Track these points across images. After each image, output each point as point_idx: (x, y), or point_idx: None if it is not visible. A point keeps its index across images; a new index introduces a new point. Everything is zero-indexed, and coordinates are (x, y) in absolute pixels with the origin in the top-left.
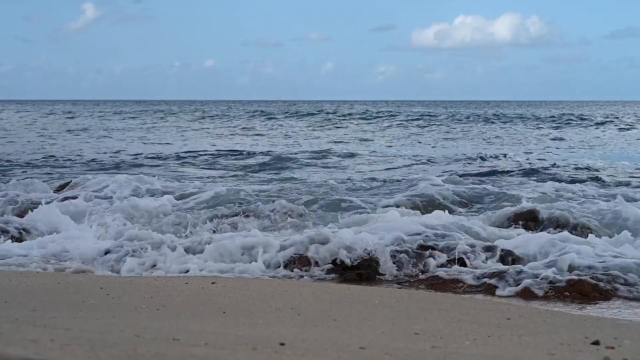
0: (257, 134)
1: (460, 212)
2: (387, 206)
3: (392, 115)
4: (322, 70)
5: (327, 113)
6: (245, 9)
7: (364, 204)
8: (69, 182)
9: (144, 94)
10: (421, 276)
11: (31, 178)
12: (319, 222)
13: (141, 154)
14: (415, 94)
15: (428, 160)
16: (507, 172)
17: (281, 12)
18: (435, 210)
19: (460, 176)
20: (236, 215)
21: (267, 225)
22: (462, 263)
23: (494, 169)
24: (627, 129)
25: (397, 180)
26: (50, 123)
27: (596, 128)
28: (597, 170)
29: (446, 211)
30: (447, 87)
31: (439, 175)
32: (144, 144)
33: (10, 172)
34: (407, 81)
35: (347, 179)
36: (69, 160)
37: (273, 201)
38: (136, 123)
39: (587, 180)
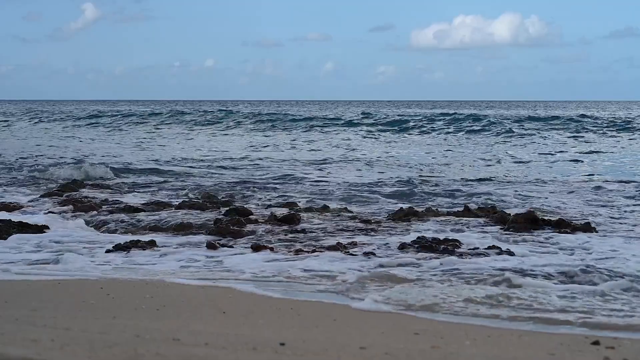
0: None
1: None
2: None
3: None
4: (322, 70)
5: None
6: (245, 9)
7: None
8: None
9: (144, 94)
10: None
11: None
12: None
13: None
14: (415, 94)
15: None
16: None
17: (281, 12)
18: None
19: None
20: None
21: None
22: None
23: None
24: None
25: None
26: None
27: None
28: None
29: None
30: (447, 87)
31: None
32: None
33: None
34: (406, 81)
35: None
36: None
37: None
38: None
39: None
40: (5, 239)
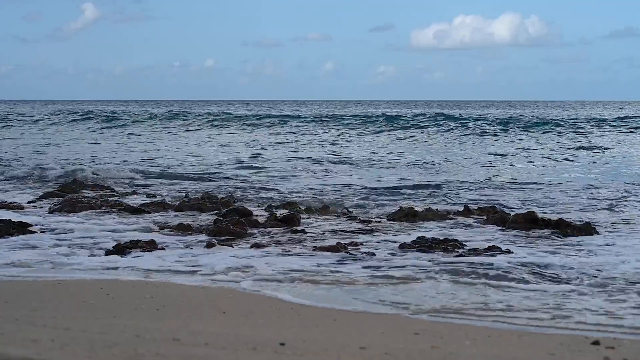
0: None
1: None
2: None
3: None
4: (322, 70)
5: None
6: (245, 9)
7: None
8: None
9: (144, 94)
10: None
11: None
12: None
13: None
14: (415, 94)
15: None
16: None
17: (281, 12)
18: None
19: None
20: None
21: None
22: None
23: None
24: None
25: None
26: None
27: None
28: None
29: None
30: (447, 87)
31: None
32: None
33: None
34: (406, 81)
35: None
36: None
37: None
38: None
39: None
40: (5, 238)
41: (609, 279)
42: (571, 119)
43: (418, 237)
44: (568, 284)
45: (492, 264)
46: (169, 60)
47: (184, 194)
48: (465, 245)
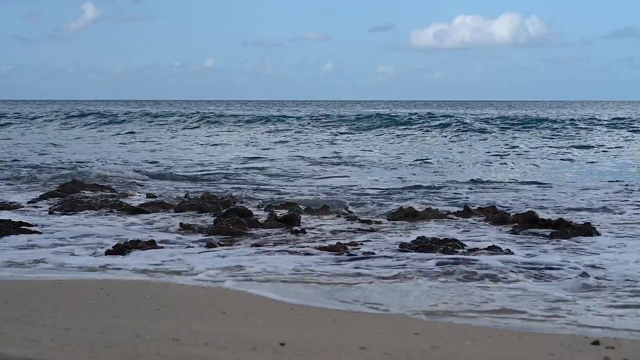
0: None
1: None
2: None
3: None
4: (322, 70)
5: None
6: (245, 9)
7: None
8: None
9: (144, 94)
10: None
11: None
12: None
13: None
14: (415, 94)
15: None
16: None
17: (281, 12)
18: None
19: None
20: None
21: None
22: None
23: None
24: None
25: None
26: None
27: None
28: None
29: None
30: (447, 87)
31: None
32: None
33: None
34: (406, 81)
35: None
36: None
37: None
38: None
39: None
40: (5, 238)
41: (608, 279)
42: (570, 119)
43: (418, 237)
44: (568, 283)
45: (491, 264)
46: (169, 60)
47: (184, 194)
48: (465, 245)
